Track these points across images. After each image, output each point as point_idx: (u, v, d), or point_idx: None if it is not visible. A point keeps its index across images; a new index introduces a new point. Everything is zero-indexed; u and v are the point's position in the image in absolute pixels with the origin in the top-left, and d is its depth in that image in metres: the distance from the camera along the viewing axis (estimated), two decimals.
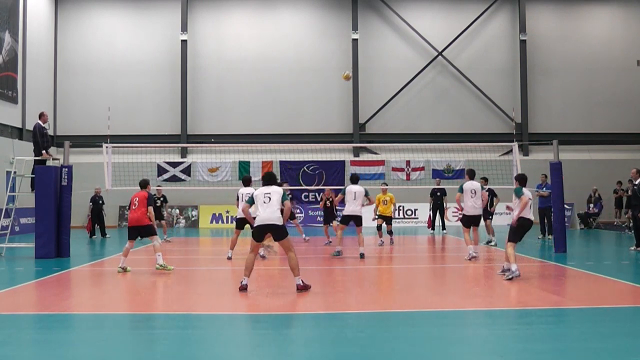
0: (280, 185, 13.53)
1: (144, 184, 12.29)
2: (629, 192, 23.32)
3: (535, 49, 29.32)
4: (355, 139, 28.30)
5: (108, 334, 6.89)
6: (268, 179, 9.70)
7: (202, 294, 9.63)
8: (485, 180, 17.70)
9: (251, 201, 9.69)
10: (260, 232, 9.35)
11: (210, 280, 11.10)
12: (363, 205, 14.39)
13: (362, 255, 13.61)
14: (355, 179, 14.72)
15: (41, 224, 14.12)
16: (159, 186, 20.25)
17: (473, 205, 13.57)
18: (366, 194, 14.27)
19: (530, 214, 10.61)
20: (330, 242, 17.09)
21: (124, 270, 11.65)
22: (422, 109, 29.09)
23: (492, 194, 17.57)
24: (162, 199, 19.18)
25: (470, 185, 13.70)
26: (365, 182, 27.06)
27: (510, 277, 10.17)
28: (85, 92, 28.47)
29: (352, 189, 14.17)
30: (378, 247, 16.59)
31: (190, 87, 28.60)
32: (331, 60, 28.93)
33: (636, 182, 15.13)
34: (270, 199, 9.31)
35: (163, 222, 18.85)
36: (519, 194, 10.60)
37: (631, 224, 21.78)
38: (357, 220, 14.05)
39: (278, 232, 9.28)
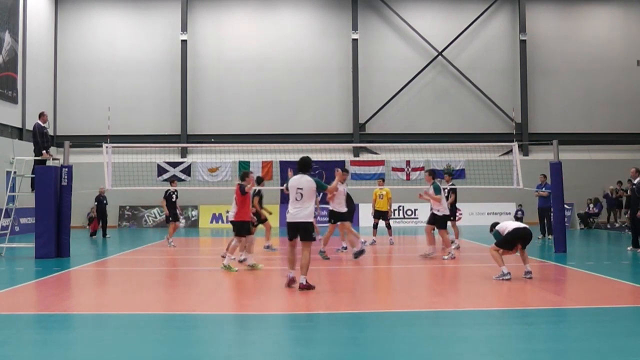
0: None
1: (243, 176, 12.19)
2: (629, 192, 23.37)
3: (535, 49, 29.33)
4: (355, 139, 28.31)
5: (108, 334, 6.88)
6: (302, 166, 9.49)
7: (202, 294, 9.63)
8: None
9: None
10: (291, 230, 9.36)
11: (211, 280, 11.10)
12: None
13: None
14: None
15: (41, 224, 14.11)
16: (172, 181, 19.02)
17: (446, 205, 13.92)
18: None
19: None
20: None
21: (253, 267, 11.79)
22: (422, 109, 29.10)
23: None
24: (175, 193, 17.95)
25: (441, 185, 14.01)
26: (365, 182, 27.16)
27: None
28: (85, 92, 28.49)
29: None
30: (378, 247, 16.56)
31: (190, 87, 28.60)
32: (331, 60, 28.94)
33: (635, 182, 15.06)
34: (302, 195, 9.24)
35: (177, 223, 17.89)
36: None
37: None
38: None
39: (306, 232, 9.30)
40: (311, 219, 9.35)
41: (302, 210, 9.24)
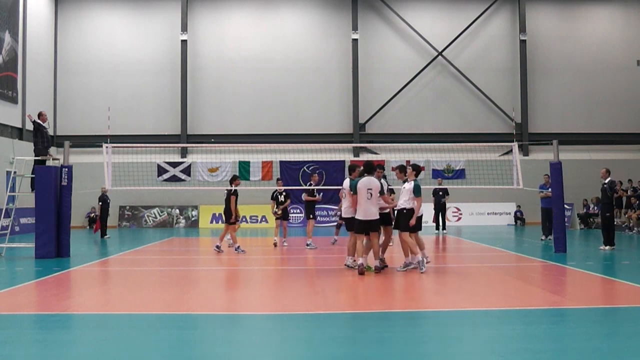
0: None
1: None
2: (628, 192, 23.40)
3: (535, 49, 29.33)
4: (355, 139, 28.31)
5: (108, 334, 6.88)
6: (368, 169, 10.92)
7: (202, 294, 9.62)
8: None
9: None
10: (363, 227, 10.82)
11: (211, 280, 11.10)
12: None
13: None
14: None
15: (41, 224, 14.12)
16: (279, 179, 17.89)
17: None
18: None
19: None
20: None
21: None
22: (422, 109, 29.10)
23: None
24: (284, 193, 16.77)
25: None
26: None
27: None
28: (85, 92, 28.49)
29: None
30: None
31: (190, 87, 28.60)
32: (331, 60, 28.94)
33: (605, 181, 15.33)
34: (371, 194, 10.68)
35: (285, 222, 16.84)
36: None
37: (631, 224, 21.88)
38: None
39: (375, 226, 10.93)
40: (378, 216, 10.84)
41: (371, 210, 10.72)
